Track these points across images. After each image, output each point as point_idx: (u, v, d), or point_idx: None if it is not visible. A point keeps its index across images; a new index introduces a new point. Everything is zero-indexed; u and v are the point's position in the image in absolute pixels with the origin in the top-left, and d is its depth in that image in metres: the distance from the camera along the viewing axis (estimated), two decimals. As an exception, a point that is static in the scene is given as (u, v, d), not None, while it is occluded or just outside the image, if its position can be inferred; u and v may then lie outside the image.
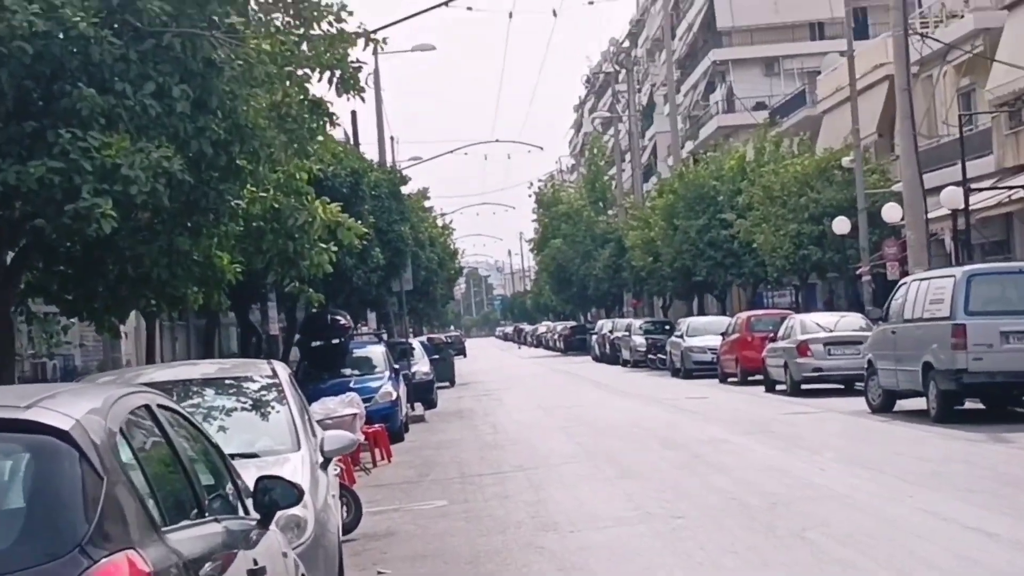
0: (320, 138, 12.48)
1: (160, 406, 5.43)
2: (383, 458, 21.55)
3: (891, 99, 46.60)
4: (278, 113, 11.71)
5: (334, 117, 12.44)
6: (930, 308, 21.26)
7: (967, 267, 22.71)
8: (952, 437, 18.78)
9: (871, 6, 69.27)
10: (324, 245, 13.25)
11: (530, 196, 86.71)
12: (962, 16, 38.66)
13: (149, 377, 9.82)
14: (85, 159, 10.58)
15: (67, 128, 10.78)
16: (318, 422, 20.75)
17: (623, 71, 79.97)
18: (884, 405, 23.46)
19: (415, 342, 38.54)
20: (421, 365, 35.41)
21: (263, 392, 9.76)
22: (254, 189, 12.82)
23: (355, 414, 19.99)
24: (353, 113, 44.29)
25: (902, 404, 23.43)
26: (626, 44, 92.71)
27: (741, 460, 17.42)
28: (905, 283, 23.19)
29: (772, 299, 56.82)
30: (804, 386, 29.91)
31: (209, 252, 13.24)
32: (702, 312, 57.17)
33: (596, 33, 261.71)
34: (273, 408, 9.59)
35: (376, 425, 23.03)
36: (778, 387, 31.73)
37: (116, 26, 11.41)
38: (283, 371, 10.03)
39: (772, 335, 34.80)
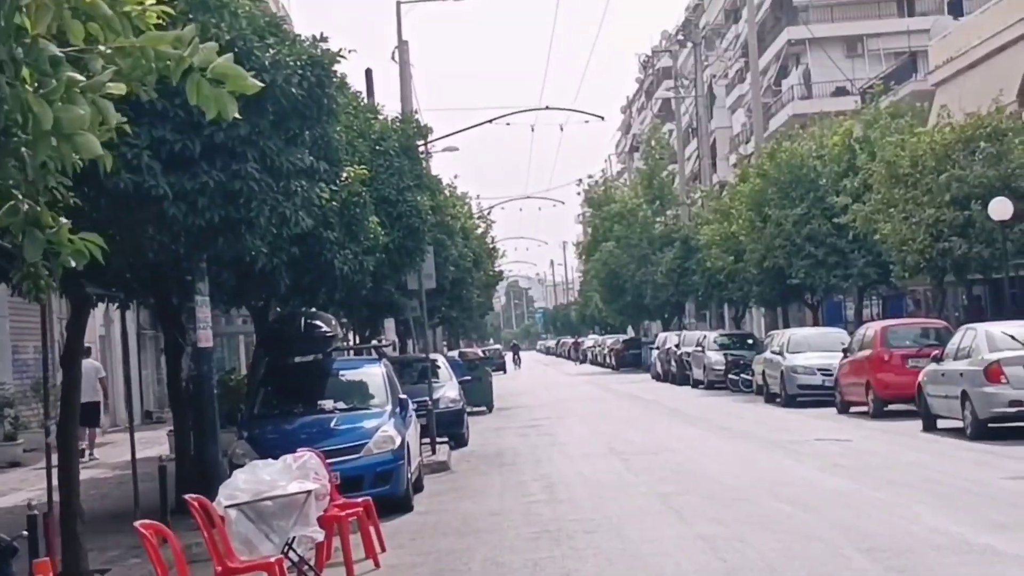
0: None
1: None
2: (366, 556, 12.65)
3: (1035, 59, 37.92)
4: None
5: None
6: None
7: None
8: None
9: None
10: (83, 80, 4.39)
11: (578, 195, 77.76)
12: None
13: None
14: None
15: None
16: (245, 505, 11.86)
17: (687, 48, 71.01)
18: None
19: (440, 358, 29.55)
20: (448, 389, 26.58)
21: None
22: None
23: (308, 492, 11.11)
24: (368, 72, 35.44)
25: None
26: (680, 37, 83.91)
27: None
28: None
29: (872, 308, 47.71)
30: (991, 425, 20.85)
31: None
32: (787, 323, 48.05)
33: (647, 25, 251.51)
34: None
35: (363, 494, 14.25)
36: (940, 424, 22.69)
37: None
38: None
39: (921, 352, 25.92)
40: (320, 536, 11.13)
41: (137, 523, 8.86)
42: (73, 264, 4.99)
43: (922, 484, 15.56)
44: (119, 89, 4.68)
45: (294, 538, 10.90)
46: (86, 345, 27.21)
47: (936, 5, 65.53)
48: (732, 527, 12.98)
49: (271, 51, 11.39)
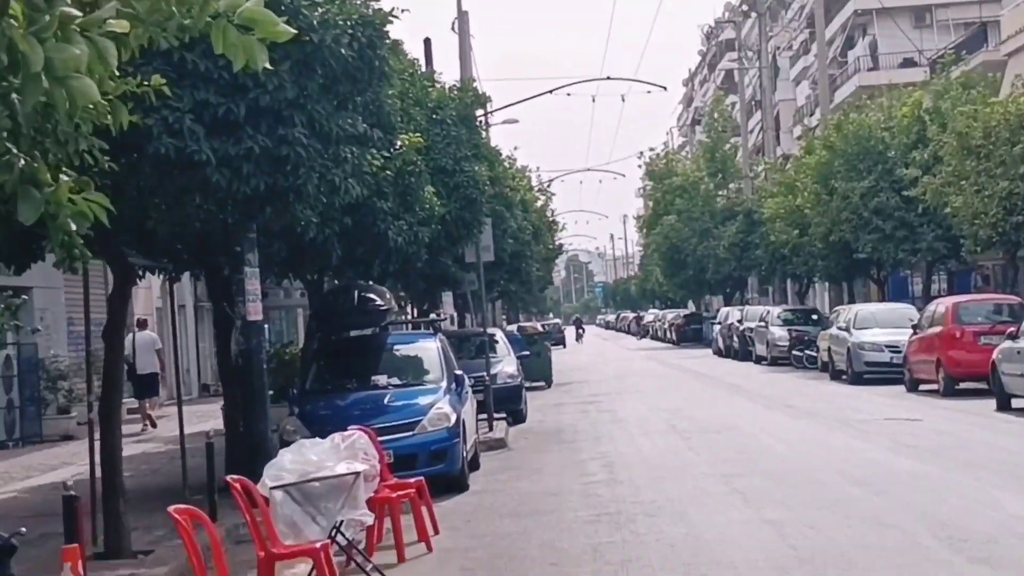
0: None
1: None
2: (419, 539, 12.14)
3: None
4: None
5: None
6: None
7: None
8: None
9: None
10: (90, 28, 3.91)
11: (639, 167, 76.83)
12: None
13: None
14: None
15: None
16: (290, 487, 11.35)
17: (750, 19, 69.85)
18: None
19: (498, 333, 29.03)
20: (506, 364, 26.08)
21: None
22: None
23: (357, 473, 10.59)
24: (426, 41, 34.87)
25: None
26: (744, 8, 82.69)
27: None
28: None
29: (940, 283, 46.63)
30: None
31: None
32: (852, 299, 47.08)
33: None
34: None
35: (418, 472, 13.77)
36: (1015, 403, 21.92)
37: None
38: None
39: (994, 329, 25.09)
40: (369, 519, 10.62)
41: (171, 508, 8.40)
42: (74, 227, 4.45)
43: (1000, 467, 14.87)
44: (122, 27, 4.13)
45: (342, 521, 10.40)
46: (143, 317, 27.18)
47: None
48: (800, 511, 12.38)
49: (319, 10, 10.85)
